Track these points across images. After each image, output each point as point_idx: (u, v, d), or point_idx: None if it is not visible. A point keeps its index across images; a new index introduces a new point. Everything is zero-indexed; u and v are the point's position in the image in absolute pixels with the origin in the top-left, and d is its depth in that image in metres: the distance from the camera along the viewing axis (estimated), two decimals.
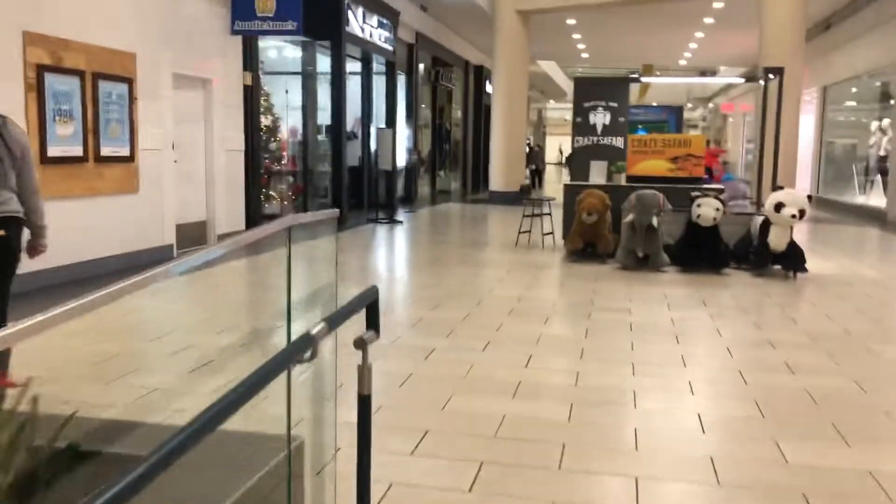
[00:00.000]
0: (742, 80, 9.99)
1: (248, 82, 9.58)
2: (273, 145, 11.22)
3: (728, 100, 32.87)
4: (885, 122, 16.00)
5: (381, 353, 4.33)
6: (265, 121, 10.76)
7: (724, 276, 7.42)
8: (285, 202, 11.69)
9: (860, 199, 16.62)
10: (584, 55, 25.43)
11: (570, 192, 8.77)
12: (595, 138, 9.56)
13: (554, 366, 4.24)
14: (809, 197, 7.34)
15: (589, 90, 9.62)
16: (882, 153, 16.07)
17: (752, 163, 20.82)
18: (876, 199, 15.74)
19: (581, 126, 9.58)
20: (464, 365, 4.17)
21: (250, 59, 9.64)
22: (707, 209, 7.43)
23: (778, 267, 7.50)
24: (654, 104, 17.20)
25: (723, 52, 23.25)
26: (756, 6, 14.21)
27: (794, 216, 7.17)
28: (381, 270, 7.67)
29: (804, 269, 7.34)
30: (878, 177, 16.08)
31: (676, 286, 6.85)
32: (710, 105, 38.44)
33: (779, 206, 7.26)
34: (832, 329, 5.20)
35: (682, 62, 26.23)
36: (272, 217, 11.17)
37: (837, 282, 7.14)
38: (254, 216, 9.83)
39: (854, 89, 17.84)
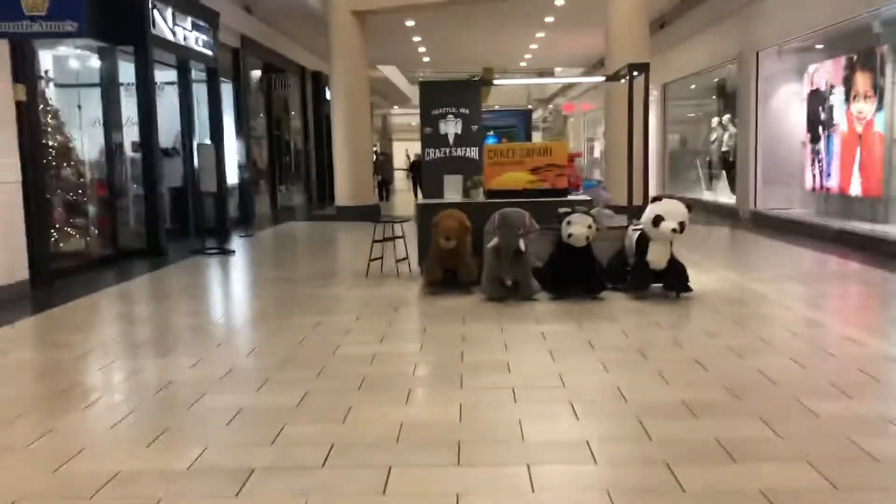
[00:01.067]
0: (602, 79, 9.18)
1: (22, 97, 7.75)
2: (67, 171, 9.36)
3: (568, 100, 33.24)
4: (725, 117, 16.14)
5: (169, 488, 2.97)
6: (54, 142, 8.91)
7: (602, 301, 6.55)
8: (89, 238, 9.84)
9: (707, 196, 16.70)
10: (426, 59, 24.60)
11: (425, 213, 7.66)
12: (447, 150, 8.51)
13: (423, 484, 3.05)
14: (689, 206, 6.58)
15: (436, 96, 8.55)
16: (725, 149, 16.19)
17: (602, 163, 20.92)
18: (722, 195, 15.81)
19: (431, 137, 8.50)
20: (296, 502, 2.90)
21: (23, 68, 7.81)
22: (579, 228, 6.53)
23: (659, 285, 6.74)
24: (497, 107, 16.56)
25: (563, 52, 23.12)
26: (601, 3, 13.77)
27: (674, 230, 6.40)
28: (188, 332, 6.17)
29: (688, 289, 6.61)
30: (723, 172, 16.19)
31: (554, 321, 5.88)
32: (550, 106, 38.91)
33: (657, 220, 6.47)
34: (749, 377, 4.35)
35: (523, 63, 25.99)
36: (74, 256, 9.32)
37: (726, 301, 6.44)
38: (41, 260, 7.99)
39: (693, 86, 18.00)
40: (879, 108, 10.19)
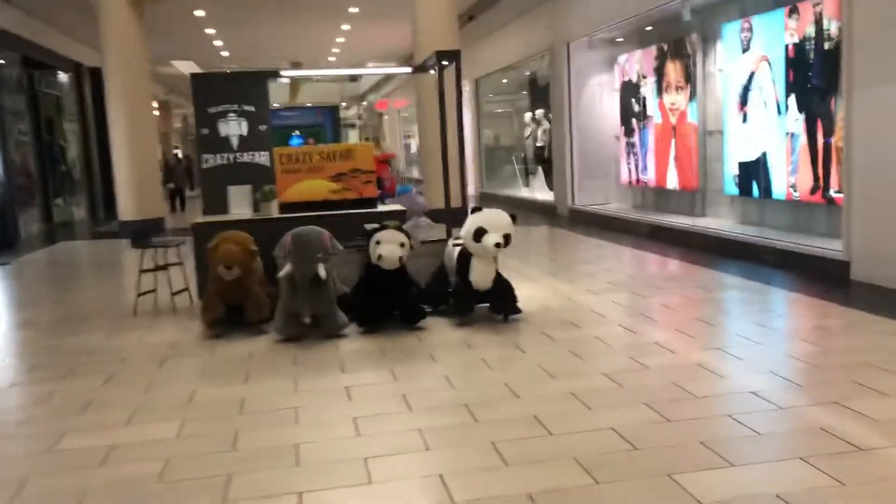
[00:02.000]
0: (409, 70, 8.14)
1: None
2: None
3: (382, 96, 32.32)
4: (539, 112, 15.79)
5: None
6: None
7: (422, 332, 5.50)
8: None
9: (524, 193, 16.28)
10: (224, 53, 22.63)
11: (202, 234, 6.23)
12: (231, 155, 7.11)
13: None
14: (514, 217, 5.65)
15: (213, 91, 7.11)
16: (539, 144, 15.83)
17: (419, 161, 19.98)
18: (540, 191, 15.42)
19: (209, 140, 7.06)
20: None
21: None
22: (391, 248, 5.42)
23: (486, 304, 5.80)
24: (309, 105, 15.16)
25: (373, 45, 22.04)
26: None
27: (498, 245, 5.46)
28: None
29: (517, 310, 5.71)
30: (539, 169, 15.84)
31: (364, 366, 4.74)
32: (364, 103, 37.84)
33: (479, 234, 5.50)
34: (605, 443, 3.42)
35: (332, 58, 24.65)
36: None
37: (559, 323, 5.60)
38: None
39: (505, 80, 17.55)
40: (692, 98, 9.96)
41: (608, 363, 4.53)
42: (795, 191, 8.13)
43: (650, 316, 5.66)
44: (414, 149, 27.75)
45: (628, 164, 11.90)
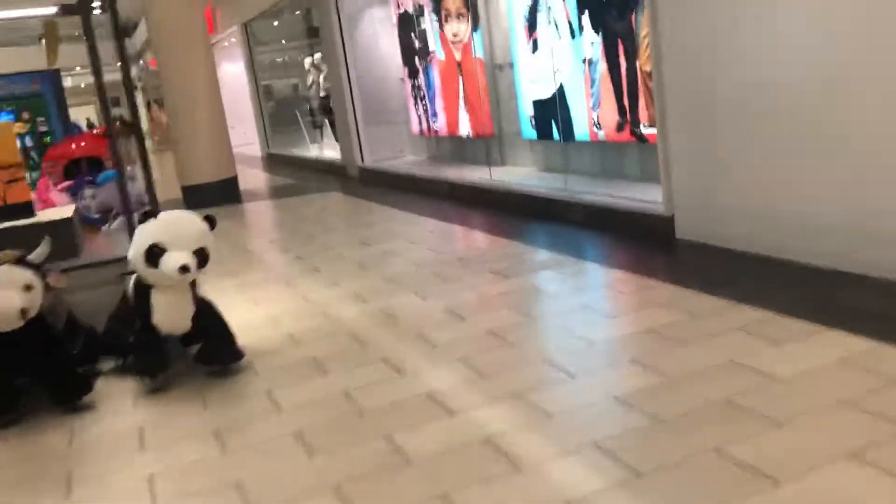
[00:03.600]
0: (53, 11, 5.71)
1: None
2: None
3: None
4: (318, 56, 13.76)
5: None
6: None
7: (91, 414, 3.55)
8: None
9: (315, 152, 14.28)
10: None
11: None
12: None
13: None
14: (210, 218, 3.74)
15: None
16: (322, 94, 13.85)
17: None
18: (329, 149, 13.52)
19: None
20: None
21: None
22: (5, 298, 3.36)
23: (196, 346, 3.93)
24: (19, 73, 12.14)
25: None
26: None
27: (185, 268, 3.56)
28: None
29: (235, 356, 3.88)
30: (326, 121, 13.91)
31: None
32: (141, 62, 33.67)
33: (154, 254, 3.58)
34: None
35: None
36: None
37: (300, 368, 3.83)
38: None
39: (276, 23, 15.25)
40: (475, 27, 8.37)
41: (365, 451, 2.83)
42: (600, 129, 6.79)
43: (430, 338, 4.01)
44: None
45: (417, 110, 10.23)
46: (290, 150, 15.31)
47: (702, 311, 3.76)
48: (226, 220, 9.05)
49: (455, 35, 8.80)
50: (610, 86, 6.50)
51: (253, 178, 13.71)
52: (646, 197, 5.71)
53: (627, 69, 6.29)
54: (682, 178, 5.13)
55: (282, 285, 5.49)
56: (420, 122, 10.19)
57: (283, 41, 15.73)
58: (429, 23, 9.31)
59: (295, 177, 12.86)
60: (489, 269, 5.10)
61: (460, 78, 8.88)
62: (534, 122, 7.71)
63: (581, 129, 7.02)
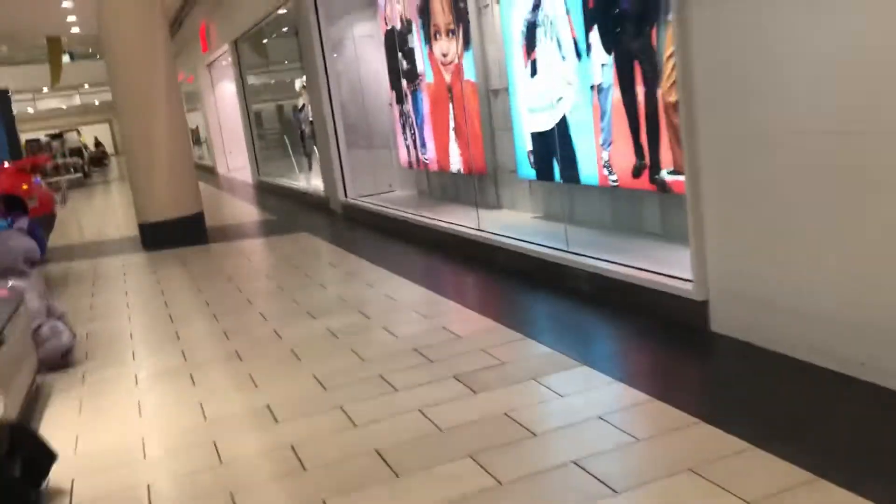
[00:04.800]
0: None
1: None
2: None
3: None
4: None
5: None
6: None
7: None
8: None
9: (302, 182, 12.99)
10: None
11: None
12: None
13: None
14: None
15: None
16: (312, 118, 12.59)
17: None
18: (318, 179, 12.24)
19: None
20: None
21: None
22: None
23: None
24: None
25: None
26: None
27: None
28: None
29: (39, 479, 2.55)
30: (315, 148, 12.64)
31: None
32: None
33: None
34: None
35: (77, 30, 19.95)
36: None
37: None
38: None
39: (266, 40, 14.07)
40: (467, 45, 7.06)
41: None
42: (611, 172, 5.43)
43: None
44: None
45: (405, 139, 8.92)
46: (278, 179, 14.07)
47: (755, 492, 2.36)
48: (173, 267, 7.78)
49: (444, 55, 7.49)
50: (624, 119, 5.15)
51: (232, 211, 12.48)
52: (670, 267, 4.32)
53: (646, 98, 4.93)
54: (720, 248, 3.75)
55: (184, 383, 4.17)
56: (409, 153, 8.88)
57: (274, 60, 14.55)
58: (416, 41, 8.02)
59: (277, 210, 11.60)
60: (455, 374, 3.73)
61: (450, 104, 7.57)
62: (532, 159, 6.37)
63: (588, 171, 5.66)
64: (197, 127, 22.89)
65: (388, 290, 5.60)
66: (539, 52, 5.96)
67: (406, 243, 7.41)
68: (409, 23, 8.17)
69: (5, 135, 8.27)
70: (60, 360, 4.58)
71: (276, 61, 14.42)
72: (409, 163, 8.94)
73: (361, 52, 9.73)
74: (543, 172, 6.27)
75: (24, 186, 6.91)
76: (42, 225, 6.94)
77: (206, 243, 9.11)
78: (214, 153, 20.89)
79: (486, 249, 6.11)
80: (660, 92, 4.80)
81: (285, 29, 12.50)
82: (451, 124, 7.62)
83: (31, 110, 41.09)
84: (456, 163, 7.70)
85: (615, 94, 5.19)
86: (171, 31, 22.03)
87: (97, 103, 44.61)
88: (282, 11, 11.31)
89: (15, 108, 38.89)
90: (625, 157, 5.22)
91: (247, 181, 16.51)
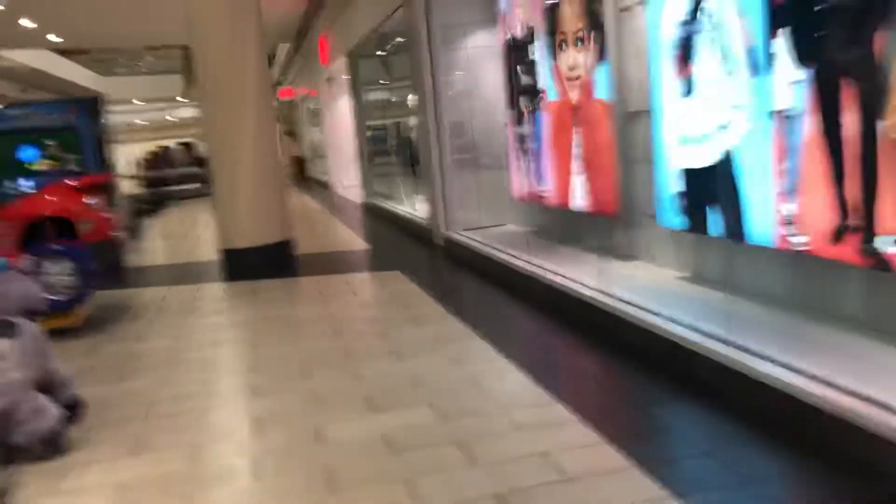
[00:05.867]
0: None
1: None
2: None
3: (289, 83, 27.68)
4: None
5: None
6: None
7: None
8: None
9: (408, 207, 11.86)
10: (52, 36, 17.88)
11: None
12: None
13: None
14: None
15: None
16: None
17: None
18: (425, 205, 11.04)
19: None
20: None
21: None
22: None
23: None
24: (49, 100, 10.69)
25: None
26: None
27: None
28: None
29: None
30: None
31: None
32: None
33: None
34: None
35: None
36: None
37: None
38: None
39: (379, 52, 13.08)
40: (601, 58, 5.65)
41: None
42: (795, 232, 3.87)
43: None
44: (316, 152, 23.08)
45: (520, 167, 7.58)
46: (383, 202, 13.02)
47: None
48: (240, 307, 6.75)
49: (572, 68, 6.11)
50: (824, 160, 3.60)
51: (330, 236, 11.50)
52: (887, 388, 2.76)
53: (863, 134, 3.37)
54: None
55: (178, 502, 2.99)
56: (523, 184, 7.53)
57: (390, 75, 13.55)
58: (539, 51, 6.68)
59: (376, 238, 10.52)
60: None
61: (576, 127, 6.17)
62: (681, 204, 4.87)
63: (762, 226, 4.12)
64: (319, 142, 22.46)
65: (478, 373, 4.25)
66: (697, 65, 4.48)
67: (512, 297, 6.05)
68: (531, 30, 6.85)
69: (94, 145, 7.71)
70: (42, 447, 3.53)
71: (392, 76, 13.43)
72: (522, 194, 7.58)
73: (477, 63, 8.49)
74: (696, 221, 4.76)
75: (74, 208, 6.06)
76: (99, 254, 6.06)
77: (291, 275, 8.08)
78: (331, 170, 20.27)
79: (608, 320, 4.66)
80: (882, 125, 3.24)
81: (399, 40, 11.44)
82: (576, 152, 6.21)
83: (169, 118, 42.41)
84: (578, 199, 6.27)
85: (810, 125, 3.65)
86: (295, 44, 21.74)
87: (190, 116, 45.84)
88: (395, 17, 10.22)
89: (150, 116, 40.39)
90: (819, 214, 3.66)
91: (355, 201, 15.64)
